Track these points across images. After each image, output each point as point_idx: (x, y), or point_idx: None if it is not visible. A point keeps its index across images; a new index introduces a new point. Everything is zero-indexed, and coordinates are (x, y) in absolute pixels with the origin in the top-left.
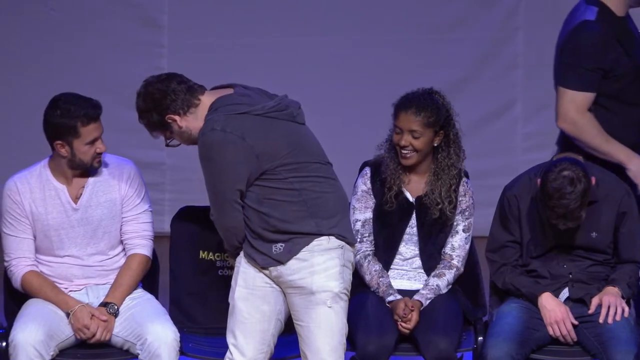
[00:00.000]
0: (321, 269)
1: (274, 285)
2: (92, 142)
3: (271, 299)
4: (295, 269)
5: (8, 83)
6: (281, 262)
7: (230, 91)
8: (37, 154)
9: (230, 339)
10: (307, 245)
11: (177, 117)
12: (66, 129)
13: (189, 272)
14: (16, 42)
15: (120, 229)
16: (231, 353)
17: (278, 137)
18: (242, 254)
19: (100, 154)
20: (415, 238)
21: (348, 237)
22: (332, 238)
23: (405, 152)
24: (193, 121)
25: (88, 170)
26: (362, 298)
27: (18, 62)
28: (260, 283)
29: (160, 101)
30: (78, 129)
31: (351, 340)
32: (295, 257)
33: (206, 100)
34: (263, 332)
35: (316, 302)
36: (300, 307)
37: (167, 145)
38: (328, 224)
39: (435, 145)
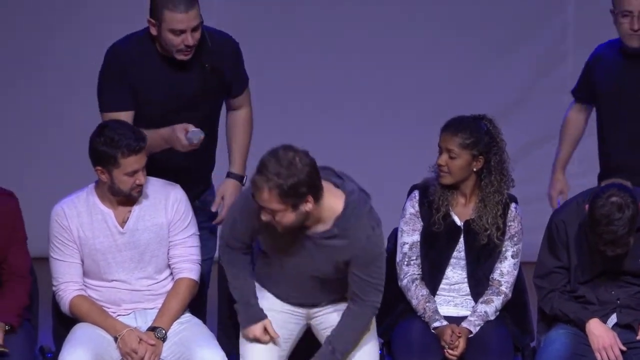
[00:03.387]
0: None
1: (297, 314)
2: (132, 174)
3: (290, 325)
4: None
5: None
6: None
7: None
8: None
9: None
10: None
11: (311, 201)
12: (107, 157)
13: None
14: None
15: (168, 253)
16: None
17: None
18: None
19: (140, 185)
20: (463, 262)
21: None
22: None
23: (441, 171)
24: (315, 209)
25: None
26: (407, 323)
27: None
28: (285, 308)
29: (314, 182)
30: (118, 159)
31: None
32: None
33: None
34: (272, 354)
35: None
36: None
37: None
38: None
39: (475, 170)
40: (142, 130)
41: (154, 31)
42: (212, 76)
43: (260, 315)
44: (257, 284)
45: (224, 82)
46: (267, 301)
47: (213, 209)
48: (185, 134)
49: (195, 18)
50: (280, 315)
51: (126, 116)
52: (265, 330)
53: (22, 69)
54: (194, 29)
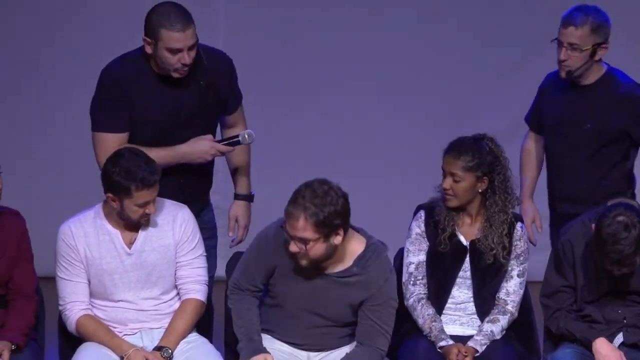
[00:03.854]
0: None
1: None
2: (143, 205)
3: None
4: None
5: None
6: None
7: None
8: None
9: None
10: None
11: (341, 235)
12: (120, 188)
13: None
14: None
15: (175, 274)
16: None
17: None
18: None
19: (148, 214)
20: (469, 282)
21: None
22: None
23: (446, 195)
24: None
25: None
26: (413, 342)
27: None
28: (285, 349)
29: (347, 215)
30: (132, 192)
31: None
32: None
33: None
34: None
35: None
36: None
37: None
38: None
39: (480, 191)
40: (155, 161)
41: (149, 50)
42: (207, 93)
43: (263, 349)
44: (264, 328)
45: (220, 99)
46: (269, 342)
47: (230, 234)
48: (225, 142)
49: (192, 37)
50: (280, 355)
51: (121, 138)
52: None
53: (26, 79)
54: (190, 48)
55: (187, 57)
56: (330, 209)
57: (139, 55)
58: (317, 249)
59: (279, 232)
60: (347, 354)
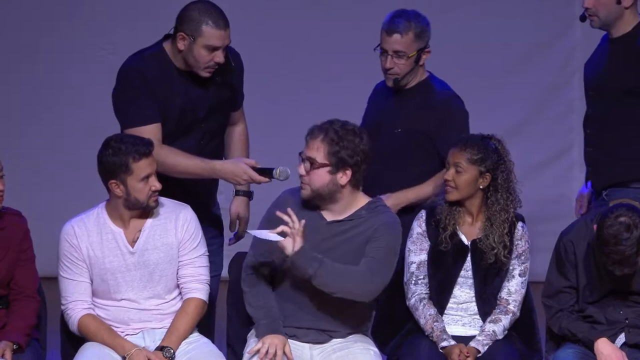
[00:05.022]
0: None
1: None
2: (146, 179)
3: None
4: None
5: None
6: None
7: None
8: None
9: None
10: None
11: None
12: (118, 166)
13: (246, 316)
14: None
15: (177, 273)
16: None
17: None
18: None
19: (155, 191)
20: (470, 281)
21: None
22: None
23: (447, 186)
24: (348, 194)
25: (144, 211)
26: (414, 342)
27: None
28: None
29: (360, 164)
30: (130, 165)
31: None
32: None
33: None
34: None
35: None
36: None
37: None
38: None
39: (481, 187)
40: (145, 137)
41: (182, 45)
42: (224, 90)
43: (283, 333)
44: None
45: (233, 95)
46: None
47: (231, 230)
48: (257, 170)
49: (229, 36)
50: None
51: (156, 128)
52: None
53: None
54: (225, 47)
55: (222, 56)
56: (350, 145)
57: (158, 52)
58: (320, 177)
59: (286, 195)
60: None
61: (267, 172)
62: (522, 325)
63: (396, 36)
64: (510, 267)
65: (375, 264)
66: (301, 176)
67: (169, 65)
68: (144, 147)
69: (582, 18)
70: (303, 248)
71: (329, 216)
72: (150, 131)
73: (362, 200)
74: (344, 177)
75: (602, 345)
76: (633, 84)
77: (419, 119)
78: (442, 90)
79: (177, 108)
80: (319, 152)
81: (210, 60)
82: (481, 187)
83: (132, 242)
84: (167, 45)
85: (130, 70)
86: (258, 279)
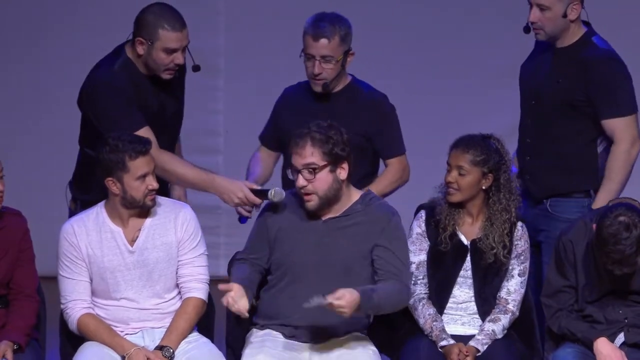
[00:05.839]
0: None
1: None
2: (142, 178)
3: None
4: None
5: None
6: None
7: None
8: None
9: None
10: None
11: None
12: (115, 163)
13: None
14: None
15: (176, 272)
16: None
17: None
18: None
19: (152, 190)
20: (470, 281)
21: None
22: None
23: (450, 188)
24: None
25: (143, 210)
26: (414, 342)
27: None
28: (285, 354)
29: (350, 150)
30: (126, 163)
31: None
32: None
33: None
34: None
35: None
36: None
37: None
38: None
39: (484, 188)
40: (142, 136)
41: (141, 50)
42: (181, 94)
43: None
44: (264, 324)
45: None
46: (271, 343)
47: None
48: (254, 192)
49: (187, 37)
50: (282, 356)
51: (149, 131)
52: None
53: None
54: (184, 48)
55: (181, 57)
56: (336, 138)
57: (123, 60)
58: (325, 179)
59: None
60: (377, 284)
61: (262, 194)
62: (521, 325)
63: (323, 41)
64: (510, 267)
65: (404, 274)
66: (303, 187)
67: (137, 72)
68: (141, 146)
69: (527, 30)
70: (359, 305)
71: (324, 214)
72: (146, 134)
73: (355, 194)
74: (342, 172)
75: (602, 345)
76: (576, 96)
77: (354, 121)
78: (369, 90)
79: (149, 114)
80: (314, 156)
81: (170, 62)
82: (484, 187)
83: (132, 241)
84: (129, 52)
85: (106, 84)
86: (245, 263)
